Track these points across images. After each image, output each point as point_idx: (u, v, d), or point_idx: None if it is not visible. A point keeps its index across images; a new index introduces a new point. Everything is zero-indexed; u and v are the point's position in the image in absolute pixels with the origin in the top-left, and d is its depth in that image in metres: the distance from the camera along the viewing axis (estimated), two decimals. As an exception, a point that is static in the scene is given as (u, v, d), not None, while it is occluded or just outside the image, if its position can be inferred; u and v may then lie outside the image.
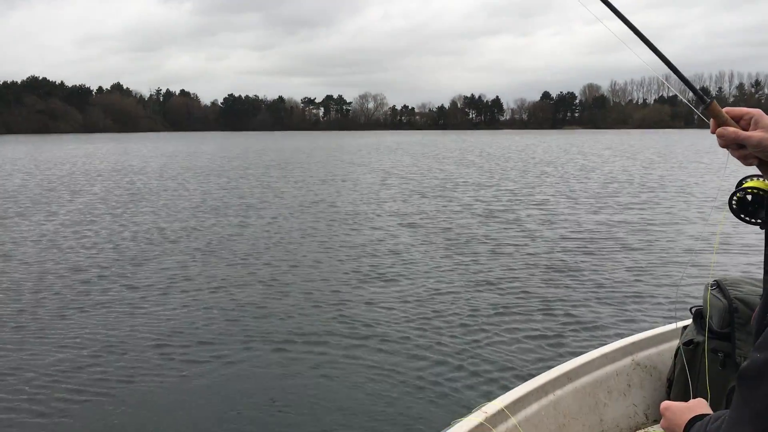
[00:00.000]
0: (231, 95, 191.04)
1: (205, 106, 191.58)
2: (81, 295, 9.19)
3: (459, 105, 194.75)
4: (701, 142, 68.53)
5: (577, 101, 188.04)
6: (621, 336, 3.42)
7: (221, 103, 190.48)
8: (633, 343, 3.19)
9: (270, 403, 5.60)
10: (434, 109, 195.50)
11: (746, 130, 1.44)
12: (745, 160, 1.48)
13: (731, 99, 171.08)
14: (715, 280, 3.07)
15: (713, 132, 1.48)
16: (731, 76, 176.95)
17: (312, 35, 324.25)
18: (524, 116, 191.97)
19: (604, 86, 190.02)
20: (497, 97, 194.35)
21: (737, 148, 1.46)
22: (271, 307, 8.54)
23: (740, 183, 1.56)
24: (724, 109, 1.49)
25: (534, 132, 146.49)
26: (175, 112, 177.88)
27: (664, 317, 7.45)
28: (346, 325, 7.68)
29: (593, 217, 16.13)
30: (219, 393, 5.82)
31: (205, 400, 5.69)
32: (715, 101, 1.49)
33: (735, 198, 1.54)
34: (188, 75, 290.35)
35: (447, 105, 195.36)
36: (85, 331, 7.58)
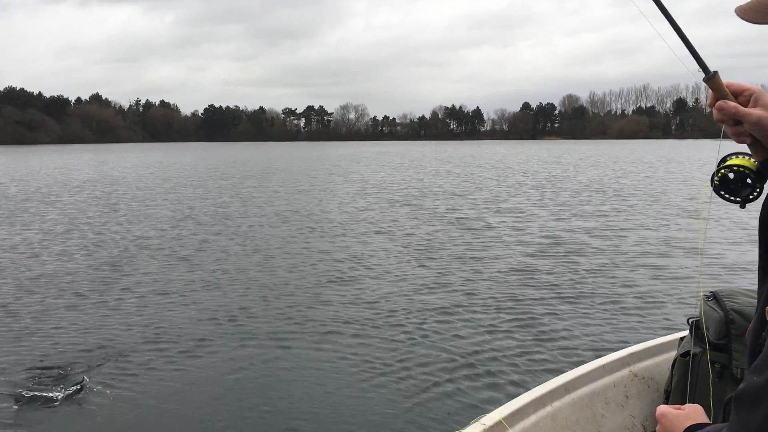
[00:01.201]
0: (211, 106, 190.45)
1: (186, 116, 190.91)
2: (55, 300, 9.10)
3: (440, 116, 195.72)
4: (683, 152, 69.38)
5: (557, 112, 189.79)
6: (618, 347, 3.41)
7: (201, 114, 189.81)
8: (630, 354, 3.18)
9: (252, 404, 5.52)
10: (415, 120, 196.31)
11: (745, 106, 1.40)
12: (739, 137, 1.44)
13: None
14: (711, 292, 3.07)
15: (712, 105, 1.44)
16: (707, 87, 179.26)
17: (294, 46, 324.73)
18: (504, 127, 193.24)
19: (583, 97, 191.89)
20: (478, 107, 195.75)
21: (733, 124, 1.42)
22: (248, 313, 8.54)
23: (724, 159, 1.51)
24: (725, 83, 1.45)
25: (514, 142, 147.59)
26: (154, 122, 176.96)
27: (661, 328, 7.42)
28: (334, 336, 7.59)
29: (582, 225, 16.20)
30: (206, 398, 5.72)
31: (194, 402, 5.59)
32: (718, 73, 1.46)
33: (718, 175, 1.50)
34: (169, 86, 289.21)
35: (428, 116, 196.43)
36: (61, 335, 7.47)
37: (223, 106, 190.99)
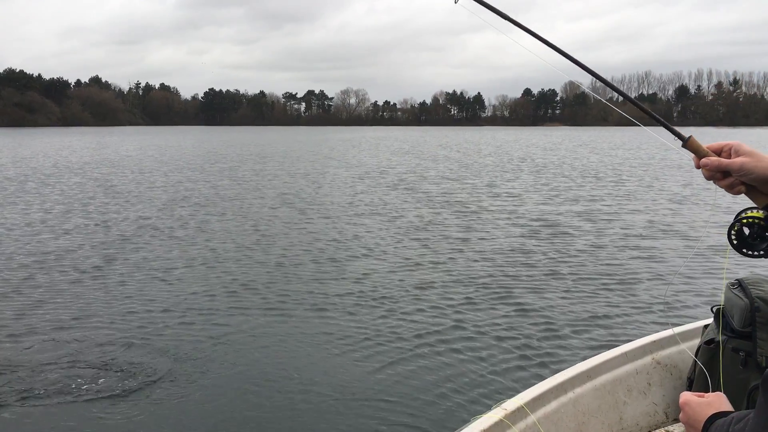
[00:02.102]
0: (212, 90, 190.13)
1: (186, 100, 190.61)
2: (57, 280, 9.05)
3: (441, 101, 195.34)
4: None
5: (558, 98, 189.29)
6: (641, 335, 3.36)
7: (202, 98, 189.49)
8: (653, 342, 3.13)
9: (259, 401, 5.47)
10: (416, 106, 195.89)
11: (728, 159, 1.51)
12: (732, 189, 1.53)
13: (710, 97, 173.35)
14: (736, 279, 3.02)
15: (697, 166, 1.56)
16: (710, 74, 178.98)
17: (296, 30, 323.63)
18: (506, 113, 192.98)
19: (585, 83, 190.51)
20: (479, 93, 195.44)
21: (722, 177, 1.53)
22: (247, 292, 8.54)
23: (739, 215, 1.56)
24: (705, 146, 1.57)
25: (515, 128, 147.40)
26: (154, 106, 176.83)
27: (685, 316, 7.30)
28: (332, 315, 7.55)
29: (606, 212, 16.13)
30: (205, 391, 5.65)
31: (198, 399, 5.53)
32: (693, 136, 1.60)
33: (734, 232, 1.55)
34: (170, 69, 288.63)
35: (429, 101, 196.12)
36: (55, 321, 7.38)
37: (224, 90, 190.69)
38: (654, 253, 11.14)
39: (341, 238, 12.63)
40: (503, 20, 1.91)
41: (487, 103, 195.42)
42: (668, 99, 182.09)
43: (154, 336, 7.00)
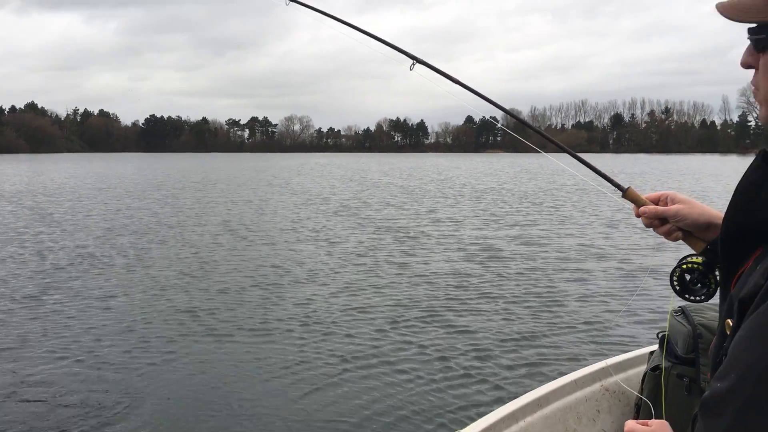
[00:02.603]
0: (153, 116, 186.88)
1: (126, 126, 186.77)
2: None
3: (385, 128, 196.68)
4: (622, 165, 71.42)
5: (499, 126, 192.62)
6: (590, 361, 3.41)
7: (142, 124, 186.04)
8: (601, 369, 3.15)
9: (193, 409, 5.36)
10: (360, 132, 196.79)
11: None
12: (670, 235, 1.62)
13: (643, 125, 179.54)
14: (680, 306, 3.08)
15: (637, 215, 1.65)
16: (643, 103, 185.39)
17: (240, 57, 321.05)
18: (448, 140, 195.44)
19: (525, 111, 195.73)
20: (422, 120, 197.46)
21: (660, 224, 1.62)
22: (187, 318, 8.32)
23: (681, 261, 1.62)
24: (644, 195, 1.68)
25: (457, 155, 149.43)
26: (93, 132, 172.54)
27: (632, 342, 7.38)
28: (269, 339, 7.41)
29: (548, 240, 16.36)
30: (145, 403, 5.47)
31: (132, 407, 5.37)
32: (631, 187, 1.71)
33: (675, 277, 1.61)
34: (110, 95, 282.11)
35: (373, 128, 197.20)
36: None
37: (165, 116, 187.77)
38: (599, 280, 11.33)
39: (283, 264, 12.51)
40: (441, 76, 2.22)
41: (430, 130, 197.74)
42: (604, 127, 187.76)
43: (92, 366, 6.79)
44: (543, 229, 17.80)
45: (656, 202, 1.66)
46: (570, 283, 10.92)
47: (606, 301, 9.73)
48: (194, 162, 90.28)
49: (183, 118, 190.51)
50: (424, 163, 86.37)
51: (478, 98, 2.19)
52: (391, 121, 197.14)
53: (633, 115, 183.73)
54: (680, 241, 1.68)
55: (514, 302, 9.61)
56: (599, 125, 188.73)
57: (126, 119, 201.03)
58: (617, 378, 3.15)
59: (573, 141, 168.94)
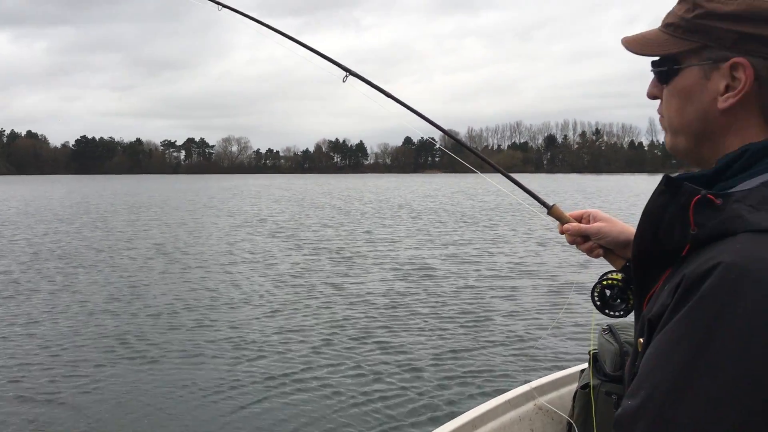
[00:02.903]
0: (84, 137, 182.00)
1: (55, 148, 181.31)
2: None
3: (324, 149, 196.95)
4: (557, 185, 73.24)
5: (437, 147, 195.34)
6: (522, 381, 3.42)
7: (73, 145, 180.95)
8: (535, 388, 3.17)
9: None
10: (299, 153, 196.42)
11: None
12: (591, 252, 1.67)
13: (575, 146, 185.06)
14: (607, 325, 3.11)
15: (561, 232, 1.72)
16: (575, 124, 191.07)
17: (175, 77, 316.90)
18: (387, 160, 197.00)
19: (462, 132, 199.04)
20: (361, 141, 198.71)
21: (582, 241, 1.68)
22: (119, 344, 8.02)
23: (601, 277, 1.67)
24: (568, 213, 1.74)
25: (396, 176, 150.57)
26: (20, 154, 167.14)
27: (564, 360, 7.40)
28: (199, 362, 7.20)
29: (474, 259, 16.47)
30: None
31: None
32: (556, 205, 1.77)
33: (596, 293, 1.65)
34: (38, 116, 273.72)
35: (312, 149, 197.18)
36: None
37: (97, 137, 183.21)
38: (530, 296, 11.49)
39: (216, 287, 12.31)
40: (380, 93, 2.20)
41: (369, 151, 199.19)
42: (538, 147, 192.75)
43: (16, 395, 6.58)
44: (476, 248, 18.01)
45: (579, 219, 1.71)
46: (502, 301, 11.05)
47: (537, 318, 9.88)
48: (127, 184, 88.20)
49: (116, 139, 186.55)
50: (364, 184, 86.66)
51: (411, 113, 2.22)
52: (330, 142, 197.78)
53: (566, 136, 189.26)
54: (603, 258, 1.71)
55: (447, 321, 9.66)
56: (534, 146, 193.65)
57: (55, 140, 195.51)
58: (550, 396, 3.19)
59: (509, 162, 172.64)
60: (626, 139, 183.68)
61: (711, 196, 0.99)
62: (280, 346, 8.28)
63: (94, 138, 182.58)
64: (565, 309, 10.16)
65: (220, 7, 2.86)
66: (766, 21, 1.02)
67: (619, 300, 1.62)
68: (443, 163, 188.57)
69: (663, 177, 1.07)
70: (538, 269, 14.42)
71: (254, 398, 6.49)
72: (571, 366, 3.50)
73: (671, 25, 1.12)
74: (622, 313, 1.63)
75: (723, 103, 1.05)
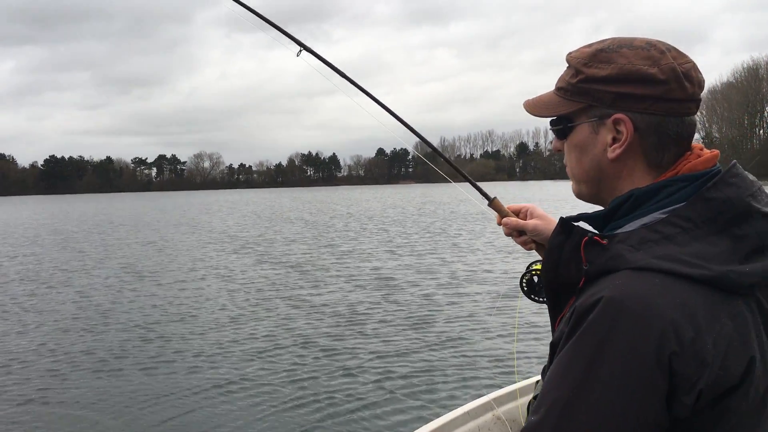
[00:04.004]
0: (53, 156, 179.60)
1: (23, 168, 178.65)
2: None
3: (297, 162, 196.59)
4: (523, 192, 73.78)
5: (410, 157, 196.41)
6: (483, 392, 3.49)
7: (42, 165, 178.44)
8: (494, 399, 3.26)
9: None
10: (272, 167, 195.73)
11: (524, 220, 1.78)
12: (525, 245, 1.79)
13: (547, 153, 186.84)
14: None
15: (499, 223, 1.82)
16: (546, 132, 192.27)
17: (145, 94, 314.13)
18: (361, 172, 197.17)
19: (435, 142, 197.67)
20: (334, 154, 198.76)
21: (518, 235, 1.79)
22: (87, 363, 8.04)
23: (529, 266, 1.81)
24: (507, 206, 1.83)
25: (370, 187, 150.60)
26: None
27: (528, 371, 7.44)
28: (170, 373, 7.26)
29: (432, 270, 16.54)
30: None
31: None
32: (497, 198, 1.87)
33: (524, 280, 1.79)
34: (5, 136, 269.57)
35: (285, 163, 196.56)
36: None
37: (66, 157, 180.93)
38: (487, 305, 11.55)
39: (180, 302, 12.35)
40: (351, 85, 2.17)
41: (342, 163, 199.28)
42: (510, 156, 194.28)
43: None
44: (439, 258, 18.12)
45: (517, 213, 1.81)
46: (461, 309, 11.14)
47: (493, 327, 9.90)
48: (97, 203, 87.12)
49: (86, 158, 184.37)
50: (337, 196, 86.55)
51: (364, 96, 2.21)
52: (303, 155, 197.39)
53: (537, 143, 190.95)
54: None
55: (408, 330, 9.74)
56: (506, 154, 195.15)
57: (24, 161, 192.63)
58: (508, 407, 3.27)
59: (482, 170, 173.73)
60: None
61: (597, 238, 1.14)
62: (233, 356, 8.50)
63: (63, 157, 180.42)
64: (519, 315, 10.27)
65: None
66: (636, 81, 1.16)
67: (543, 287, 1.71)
68: (416, 173, 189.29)
69: (559, 219, 1.22)
70: (496, 276, 14.52)
71: (201, 405, 6.76)
72: (532, 377, 3.56)
73: (562, 89, 1.28)
74: (544, 299, 1.72)
75: (612, 153, 1.20)
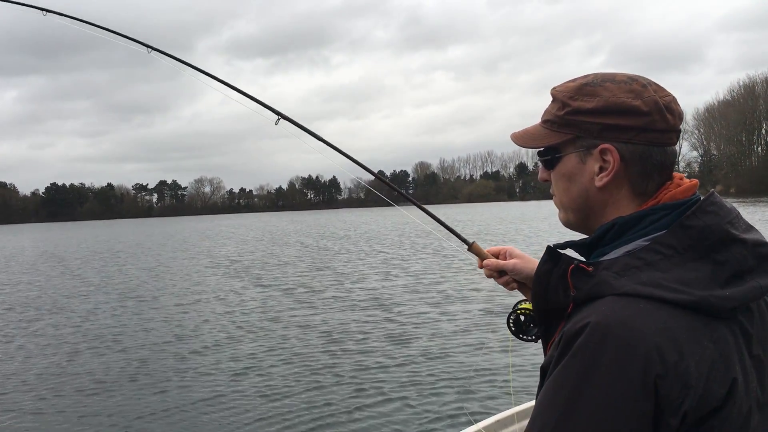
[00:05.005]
0: (54, 184, 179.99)
1: (25, 196, 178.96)
2: None
3: (297, 186, 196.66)
4: (525, 212, 73.82)
5: (410, 178, 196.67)
6: (485, 416, 3.50)
7: (43, 193, 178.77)
8: (496, 422, 3.28)
9: None
10: (273, 191, 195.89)
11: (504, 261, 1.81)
12: (508, 286, 1.83)
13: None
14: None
15: (480, 266, 1.87)
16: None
17: (147, 121, 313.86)
18: (361, 194, 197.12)
19: (434, 164, 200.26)
20: (334, 177, 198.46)
21: (499, 275, 1.83)
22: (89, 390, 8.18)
23: (515, 306, 1.81)
24: (486, 249, 1.88)
25: (370, 209, 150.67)
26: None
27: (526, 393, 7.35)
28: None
29: (415, 296, 16.65)
30: None
31: None
32: (476, 242, 1.93)
33: (511, 319, 1.79)
34: (8, 164, 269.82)
35: (285, 186, 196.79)
36: None
37: (68, 184, 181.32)
38: (476, 330, 11.61)
39: (180, 324, 12.55)
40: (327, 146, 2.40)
41: (342, 186, 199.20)
42: (510, 176, 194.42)
43: None
44: (436, 278, 18.18)
45: (497, 255, 1.86)
46: (460, 335, 11.19)
47: (484, 353, 9.87)
48: (98, 230, 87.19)
49: (87, 185, 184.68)
50: (337, 219, 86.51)
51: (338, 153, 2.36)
52: (303, 178, 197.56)
53: (536, 163, 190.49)
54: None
55: (406, 356, 9.78)
56: (505, 175, 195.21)
57: (25, 189, 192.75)
58: (509, 430, 3.26)
59: (482, 191, 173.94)
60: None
61: (583, 265, 1.19)
62: (232, 384, 8.52)
63: (64, 185, 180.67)
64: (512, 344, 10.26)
65: (149, 50, 2.90)
66: (622, 113, 1.21)
67: (532, 324, 1.76)
68: (417, 194, 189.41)
69: (546, 248, 1.27)
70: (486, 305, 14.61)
71: (203, 421, 6.73)
72: (524, 403, 3.53)
73: (548, 121, 1.34)
74: (534, 337, 1.76)
75: (599, 182, 1.26)
